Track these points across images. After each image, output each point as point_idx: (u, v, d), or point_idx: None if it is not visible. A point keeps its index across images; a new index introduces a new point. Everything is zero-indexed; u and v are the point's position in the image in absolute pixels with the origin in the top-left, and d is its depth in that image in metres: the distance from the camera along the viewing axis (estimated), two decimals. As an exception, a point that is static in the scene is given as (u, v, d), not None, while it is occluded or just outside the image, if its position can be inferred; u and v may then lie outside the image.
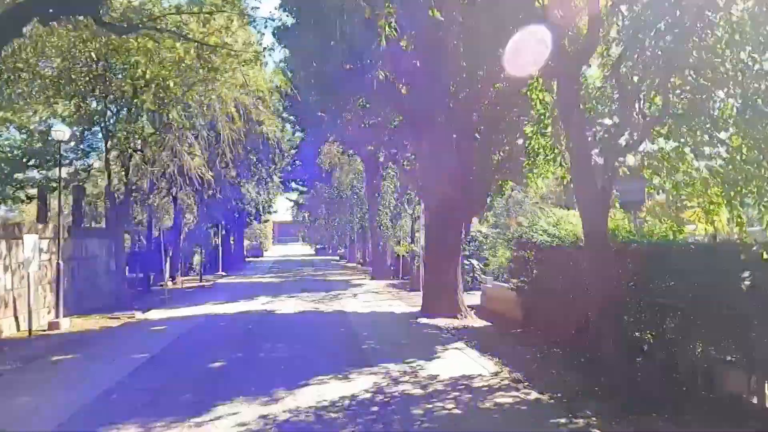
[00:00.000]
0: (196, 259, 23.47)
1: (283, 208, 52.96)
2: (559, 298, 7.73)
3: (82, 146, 14.54)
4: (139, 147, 12.51)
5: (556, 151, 6.52)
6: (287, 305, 12.00)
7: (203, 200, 17.53)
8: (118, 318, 10.78)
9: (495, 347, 7.25)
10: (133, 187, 12.84)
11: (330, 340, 7.75)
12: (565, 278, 7.50)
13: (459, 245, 10.51)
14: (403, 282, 17.04)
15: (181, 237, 20.59)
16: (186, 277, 21.78)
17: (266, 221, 42.81)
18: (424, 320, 9.68)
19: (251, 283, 18.30)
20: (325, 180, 27.37)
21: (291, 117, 19.68)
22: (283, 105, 19.03)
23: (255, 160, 16.74)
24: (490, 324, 9.54)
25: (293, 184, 37.70)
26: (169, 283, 19.34)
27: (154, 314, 11.09)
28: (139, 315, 11.09)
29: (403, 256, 16.20)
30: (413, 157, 11.77)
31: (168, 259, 20.02)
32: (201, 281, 20.15)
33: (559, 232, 7.94)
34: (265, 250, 51.09)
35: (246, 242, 45.40)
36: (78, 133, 13.38)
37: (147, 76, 11.09)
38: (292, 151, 28.65)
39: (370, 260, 28.26)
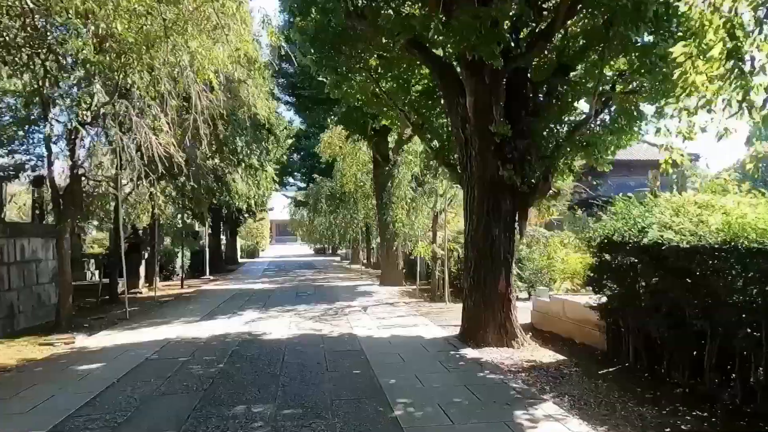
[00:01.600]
0: (180, 260, 20.63)
1: (281, 206, 50.25)
2: (687, 327, 5.08)
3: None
4: (88, 120, 9.71)
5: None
6: (279, 325, 9.18)
7: (183, 192, 14.71)
8: (51, 344, 7.99)
9: (606, 410, 4.48)
10: (83, 172, 10.01)
11: (339, 397, 4.93)
12: (702, 296, 4.86)
13: (511, 245, 7.72)
14: (421, 290, 14.23)
15: (160, 235, 17.77)
16: (166, 283, 18.97)
17: (261, 219, 39.98)
18: (470, 352, 6.89)
19: (239, 291, 15.47)
20: (326, 173, 24.54)
21: (285, 97, 16.86)
22: (274, 72, 16.22)
23: (243, 144, 13.85)
24: (563, 357, 6.75)
25: (291, 179, 34.90)
26: (145, 290, 16.59)
27: (101, 339, 8.29)
28: (81, 339, 8.30)
29: (421, 258, 13.40)
30: (443, 124, 8.98)
31: (143, 261, 17.30)
32: (182, 287, 17.36)
33: (695, 227, 5.15)
34: (262, 250, 48.33)
35: (241, 242, 42.62)
36: (19, 107, 10.60)
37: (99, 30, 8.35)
38: (289, 141, 25.85)
39: (377, 262, 25.50)
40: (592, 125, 7.39)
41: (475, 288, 7.65)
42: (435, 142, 8.90)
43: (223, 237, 32.80)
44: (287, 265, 29.53)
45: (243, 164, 14.26)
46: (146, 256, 16.90)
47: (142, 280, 16.77)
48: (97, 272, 18.79)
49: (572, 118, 7.88)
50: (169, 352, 7.07)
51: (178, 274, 20.87)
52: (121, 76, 9.14)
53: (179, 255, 20.63)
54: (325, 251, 43.62)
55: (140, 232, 17.40)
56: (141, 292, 16.01)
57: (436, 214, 12.62)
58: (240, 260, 35.64)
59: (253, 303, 12.32)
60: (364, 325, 8.96)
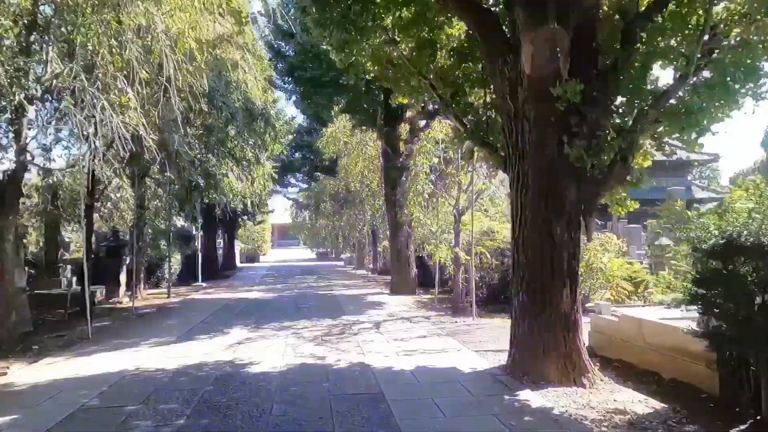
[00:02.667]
0: (168, 266, 18.78)
1: (282, 209, 48.43)
2: None
3: None
4: (39, 94, 7.90)
5: None
6: (271, 350, 7.28)
7: (168, 189, 12.86)
8: (-25, 376, 6.14)
9: None
10: (30, 159, 8.18)
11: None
12: None
13: (577, 250, 5.83)
14: (440, 300, 12.33)
15: (144, 238, 15.95)
16: (153, 291, 17.11)
17: (261, 222, 38.17)
18: (530, 397, 4.98)
19: (231, 302, 13.60)
20: (329, 172, 22.69)
21: (284, 85, 15.03)
22: (270, 57, 14.43)
23: (234, 133, 12.00)
24: (660, 405, 4.84)
25: (292, 180, 33.08)
26: (126, 300, 14.74)
27: (40, 370, 6.42)
28: (16, 370, 6.44)
29: (437, 264, 11.51)
30: (478, 96, 7.12)
31: (125, 267, 15.46)
32: (168, 296, 15.50)
33: None
34: (263, 255, 46.48)
35: (241, 246, 40.79)
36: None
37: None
38: (290, 137, 24.03)
39: (384, 267, 23.62)
40: (687, 88, 5.51)
41: (530, 306, 5.74)
42: (469, 117, 7.02)
43: (220, 241, 31.02)
44: (288, 270, 27.66)
45: (234, 156, 12.39)
46: (128, 261, 15.05)
47: (123, 289, 14.91)
48: (74, 279, 17.02)
49: (655, 77, 5.98)
50: (116, 395, 5.18)
51: (169, 281, 19.05)
52: (77, 36, 7.36)
53: (167, 260, 18.79)
54: (328, 255, 41.72)
55: (121, 234, 15.60)
56: (121, 302, 14.15)
57: (459, 212, 10.74)
58: (239, 265, 33.77)
59: (244, 317, 10.42)
60: (379, 350, 7.05)
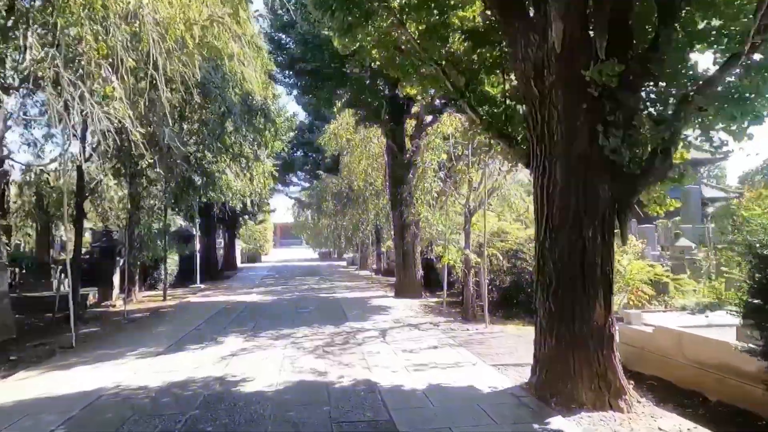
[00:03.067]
0: (164, 267, 18.18)
1: (284, 208, 47.82)
2: None
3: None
4: (15, 84, 7.29)
5: None
6: (267, 363, 6.64)
7: (164, 188, 12.22)
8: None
9: None
10: (6, 153, 7.56)
11: None
12: None
13: (611, 254, 5.16)
14: (448, 304, 11.68)
15: (141, 238, 15.36)
16: (149, 293, 16.51)
17: (262, 221, 37.61)
18: (563, 425, 4.33)
19: (228, 305, 12.97)
20: (332, 170, 22.04)
21: (285, 79, 14.38)
22: (270, 48, 13.79)
23: (231, 128, 11.36)
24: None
25: (294, 178, 32.47)
26: (119, 303, 14.15)
27: (10, 387, 5.77)
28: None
29: (447, 265, 10.85)
30: (494, 83, 6.46)
31: (118, 268, 14.84)
32: (165, 299, 14.89)
33: None
34: (265, 255, 45.93)
35: (242, 245, 40.22)
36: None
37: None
38: (291, 134, 23.38)
39: (388, 268, 22.96)
40: (739, 71, 4.83)
41: (557, 318, 5.07)
42: (485, 108, 6.35)
43: (220, 241, 30.43)
44: (289, 271, 27.04)
45: (231, 152, 11.75)
46: (121, 262, 14.43)
47: (116, 291, 14.31)
48: (67, 281, 16.43)
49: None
50: (86, 422, 4.54)
51: (166, 283, 18.43)
52: (60, 21, 6.75)
53: (164, 261, 18.18)
54: (331, 255, 41.10)
55: (115, 234, 14.98)
56: (114, 306, 13.55)
57: (470, 212, 10.07)
58: (240, 265, 33.20)
59: (241, 324, 9.79)
60: (387, 365, 6.40)
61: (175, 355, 7.14)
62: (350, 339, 8.12)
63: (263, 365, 6.43)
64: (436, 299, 13.60)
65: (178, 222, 21.91)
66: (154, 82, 7.53)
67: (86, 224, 17.11)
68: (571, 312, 5.01)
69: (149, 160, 8.17)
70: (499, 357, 6.76)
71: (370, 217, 19.24)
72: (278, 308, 12.19)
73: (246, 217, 30.31)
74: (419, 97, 9.76)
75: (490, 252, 9.98)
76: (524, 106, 5.58)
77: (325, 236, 32.04)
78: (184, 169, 9.47)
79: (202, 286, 18.96)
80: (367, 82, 12.48)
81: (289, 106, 28.41)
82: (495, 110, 6.32)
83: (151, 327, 9.73)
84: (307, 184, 31.51)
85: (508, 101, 6.19)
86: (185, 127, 10.24)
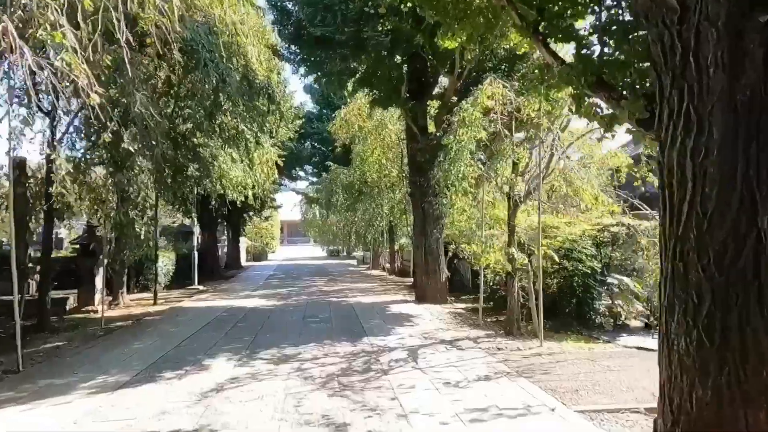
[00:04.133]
0: (156, 268, 16.50)
1: (291, 204, 46.09)
2: None
3: None
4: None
5: None
6: (263, 405, 4.82)
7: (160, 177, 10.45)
8: None
9: None
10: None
11: None
12: None
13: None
14: (485, 313, 9.83)
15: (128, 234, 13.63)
16: (140, 296, 14.82)
17: (268, 218, 36.00)
18: None
19: (224, 312, 11.22)
20: (342, 162, 20.21)
21: (288, 53, 12.54)
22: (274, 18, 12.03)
23: (227, 104, 9.56)
24: None
25: (301, 173, 30.71)
26: (102, 307, 12.47)
27: None
28: None
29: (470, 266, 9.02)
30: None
31: (102, 269, 13.13)
32: (155, 303, 13.17)
33: None
34: (272, 252, 44.38)
35: (247, 243, 38.61)
36: None
37: None
38: (298, 122, 21.61)
39: (402, 268, 21.14)
40: None
41: (717, 357, 3.22)
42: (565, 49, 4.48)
43: (224, 238, 28.77)
44: (296, 270, 25.32)
45: (226, 134, 9.96)
46: (106, 261, 12.72)
47: (99, 295, 12.59)
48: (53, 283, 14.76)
49: None
50: None
51: (160, 284, 16.77)
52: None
53: (160, 259, 16.49)
54: (339, 254, 39.35)
55: (98, 230, 13.25)
56: (96, 311, 11.84)
57: (516, 202, 8.21)
58: (245, 263, 31.56)
59: (236, 339, 7.99)
60: (429, 409, 4.57)
61: (140, 388, 5.36)
62: (373, 363, 6.30)
63: (256, 410, 4.62)
64: (463, 306, 11.77)
65: (180, 219, 20.26)
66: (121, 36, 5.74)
67: (81, 219, 15.50)
68: (741, 346, 3.14)
69: (113, 132, 6.37)
70: (583, 395, 4.91)
71: (384, 211, 17.39)
72: (283, 317, 10.40)
73: (251, 213, 28.67)
74: (460, 54, 7.87)
75: (548, 253, 8.10)
76: (648, 29, 3.71)
77: (334, 233, 30.27)
78: (166, 149, 7.68)
79: (201, 287, 17.26)
80: (386, 50, 10.63)
81: (297, 97, 26.73)
82: (584, 51, 4.46)
83: (126, 341, 7.97)
84: (315, 179, 29.71)
85: (606, 36, 4.32)
86: (170, 100, 8.45)
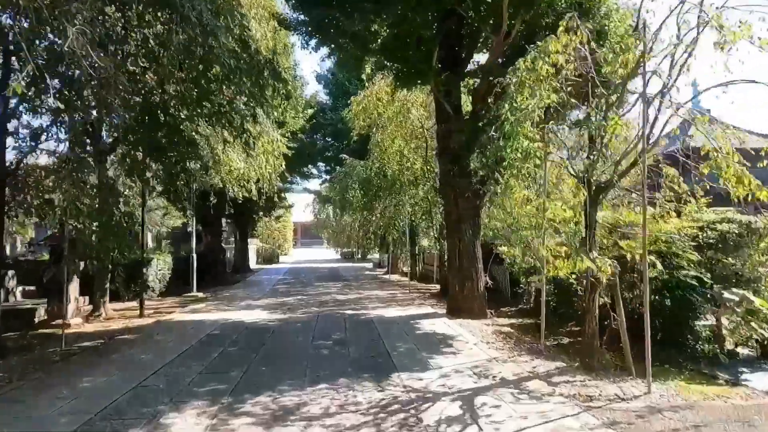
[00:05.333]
0: (153, 270, 14.63)
1: (303, 205, 44.18)
2: None
3: None
4: None
5: None
6: None
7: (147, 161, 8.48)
8: None
9: None
10: None
11: None
12: None
13: None
14: (524, 327, 7.62)
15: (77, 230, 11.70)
16: (126, 305, 12.88)
17: (279, 218, 34.17)
18: None
19: (217, 329, 9.21)
20: (358, 155, 18.16)
21: (297, 22, 10.51)
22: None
23: (224, 73, 7.52)
24: None
25: (314, 170, 28.71)
26: (76, 321, 10.60)
27: None
28: None
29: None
30: None
31: (76, 274, 11.23)
32: (141, 314, 11.21)
33: None
34: (284, 255, 42.57)
35: (258, 245, 36.80)
36: None
37: None
38: (309, 111, 19.61)
39: (423, 272, 19.00)
40: None
41: None
42: None
43: (231, 239, 26.91)
44: (308, 274, 23.33)
45: (215, 109, 7.92)
46: (82, 265, 10.81)
47: (73, 305, 10.66)
48: (20, 290, 12.93)
49: None
50: None
51: (154, 290, 14.87)
52: None
53: (153, 263, 14.61)
54: (354, 256, 37.24)
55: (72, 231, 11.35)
56: (68, 324, 9.91)
57: (597, 188, 6.04)
58: (255, 266, 29.66)
59: (217, 376, 5.91)
60: None
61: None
62: (413, 425, 4.18)
63: None
64: (506, 321, 9.62)
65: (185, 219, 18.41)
66: None
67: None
68: None
69: (32, 77, 4.37)
70: None
71: (406, 209, 15.24)
72: (286, 337, 8.32)
73: (260, 213, 26.79)
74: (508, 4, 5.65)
75: (631, 252, 5.93)
76: None
77: (348, 234, 28.19)
78: (131, 120, 5.67)
79: (200, 294, 15.31)
80: (413, 8, 8.56)
81: (309, 89, 24.61)
82: None
83: (76, 375, 5.97)
84: (328, 177, 27.67)
85: None
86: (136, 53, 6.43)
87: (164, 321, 10.31)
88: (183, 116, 7.70)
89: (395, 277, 21.05)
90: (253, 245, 34.80)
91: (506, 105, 6.44)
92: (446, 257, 12.39)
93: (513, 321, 9.65)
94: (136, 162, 7.38)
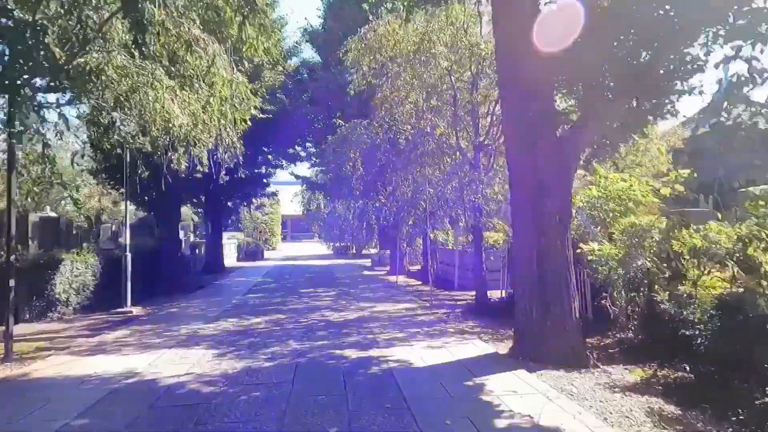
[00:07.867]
0: (64, 278, 10.10)
1: (291, 195, 39.66)
2: None
3: None
4: None
5: None
6: None
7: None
8: None
9: None
10: None
11: None
12: None
13: None
14: (672, 395, 3.22)
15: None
16: (48, 326, 8.31)
17: (262, 206, 29.55)
18: None
19: (112, 395, 4.72)
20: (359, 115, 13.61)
21: None
22: None
23: None
24: None
25: (301, 151, 24.08)
26: None
27: None
28: None
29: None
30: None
31: None
32: (7, 356, 6.69)
33: None
34: (271, 250, 38.09)
35: (241, 238, 32.24)
36: None
37: None
38: (293, 61, 14.99)
39: (441, 275, 14.60)
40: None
41: None
42: None
43: (200, 232, 22.34)
44: (294, 274, 18.90)
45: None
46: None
47: None
48: None
49: None
50: None
51: (67, 304, 10.31)
52: None
53: (63, 267, 10.03)
54: (348, 251, 32.72)
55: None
56: None
57: None
58: (235, 264, 25.06)
59: None
60: None
61: None
62: None
63: None
64: (625, 373, 5.31)
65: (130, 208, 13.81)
66: None
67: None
68: None
69: None
70: None
71: (428, 191, 10.71)
72: (237, 404, 3.89)
73: (236, 200, 22.24)
74: None
75: None
76: None
77: (342, 223, 23.67)
78: None
79: (134, 309, 10.76)
80: None
81: (291, 38, 19.27)
82: None
83: None
84: (317, 161, 23.03)
85: None
86: None
87: (13, 379, 5.76)
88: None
89: (402, 279, 16.65)
90: (235, 240, 30.22)
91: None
92: (509, 255, 8.00)
93: (635, 372, 5.33)
94: None
